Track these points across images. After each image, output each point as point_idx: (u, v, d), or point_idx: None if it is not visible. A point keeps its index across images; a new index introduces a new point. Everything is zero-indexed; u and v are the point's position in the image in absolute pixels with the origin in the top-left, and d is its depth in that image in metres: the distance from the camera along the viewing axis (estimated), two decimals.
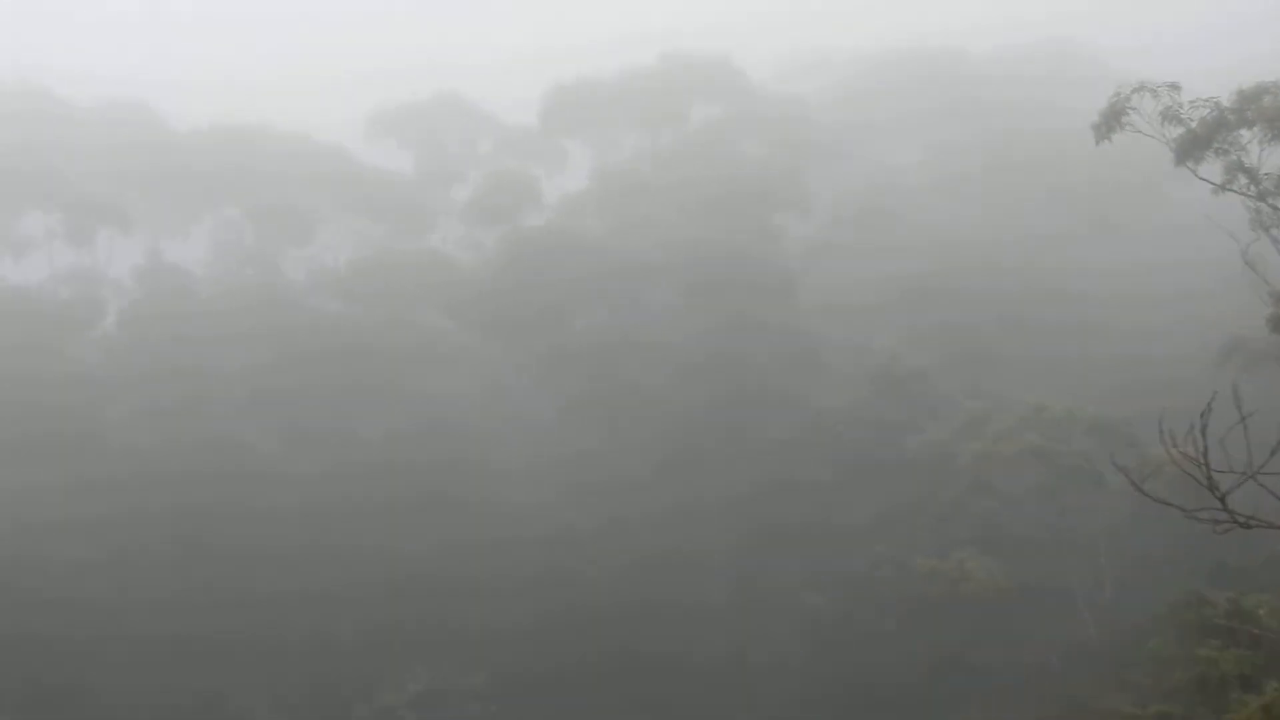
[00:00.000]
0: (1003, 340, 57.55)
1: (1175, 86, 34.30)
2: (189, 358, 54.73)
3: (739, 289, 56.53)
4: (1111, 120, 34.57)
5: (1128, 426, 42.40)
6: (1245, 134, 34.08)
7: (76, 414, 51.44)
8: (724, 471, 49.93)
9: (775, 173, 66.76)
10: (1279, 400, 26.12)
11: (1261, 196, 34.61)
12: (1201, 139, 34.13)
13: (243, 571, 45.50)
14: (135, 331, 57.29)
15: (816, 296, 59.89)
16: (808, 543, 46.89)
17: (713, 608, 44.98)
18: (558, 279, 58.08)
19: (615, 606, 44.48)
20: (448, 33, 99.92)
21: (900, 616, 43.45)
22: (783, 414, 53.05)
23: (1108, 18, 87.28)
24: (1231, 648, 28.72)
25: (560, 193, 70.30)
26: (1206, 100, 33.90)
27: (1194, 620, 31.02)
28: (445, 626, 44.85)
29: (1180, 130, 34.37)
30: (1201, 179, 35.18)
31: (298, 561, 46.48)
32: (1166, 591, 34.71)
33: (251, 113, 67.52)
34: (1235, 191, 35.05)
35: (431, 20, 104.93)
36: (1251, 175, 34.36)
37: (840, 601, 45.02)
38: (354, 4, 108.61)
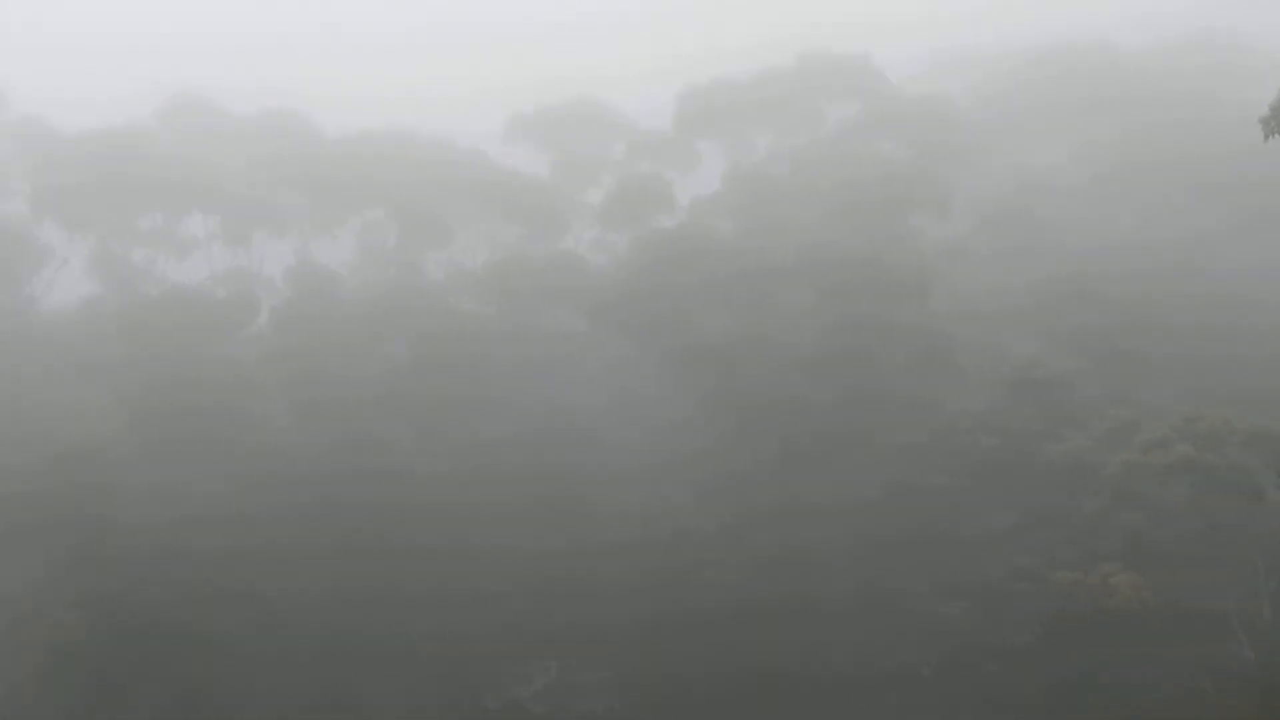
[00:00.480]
0: (1151, 345, 54.88)
1: None
2: (334, 357, 57.15)
3: (872, 291, 55.64)
4: None
5: None
6: None
7: (231, 411, 54.17)
8: (848, 474, 49.21)
9: (912, 173, 65.44)
10: None
11: None
12: None
13: (377, 568, 47.14)
14: (286, 330, 60.04)
15: (953, 300, 58.41)
16: (935, 550, 45.73)
17: (834, 612, 44.32)
18: (688, 281, 58.37)
19: (735, 608, 44.33)
20: (581, 49, 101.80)
21: (1036, 631, 41.88)
22: (911, 416, 51.91)
23: (1265, 7, 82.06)
24: None
25: (692, 195, 70.47)
26: None
27: None
28: (570, 625, 45.51)
29: None
30: None
31: (430, 559, 47.87)
32: None
33: (397, 122, 70.26)
34: None
35: (564, 39, 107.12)
36: None
37: (971, 612, 43.68)
38: (487, 26, 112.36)
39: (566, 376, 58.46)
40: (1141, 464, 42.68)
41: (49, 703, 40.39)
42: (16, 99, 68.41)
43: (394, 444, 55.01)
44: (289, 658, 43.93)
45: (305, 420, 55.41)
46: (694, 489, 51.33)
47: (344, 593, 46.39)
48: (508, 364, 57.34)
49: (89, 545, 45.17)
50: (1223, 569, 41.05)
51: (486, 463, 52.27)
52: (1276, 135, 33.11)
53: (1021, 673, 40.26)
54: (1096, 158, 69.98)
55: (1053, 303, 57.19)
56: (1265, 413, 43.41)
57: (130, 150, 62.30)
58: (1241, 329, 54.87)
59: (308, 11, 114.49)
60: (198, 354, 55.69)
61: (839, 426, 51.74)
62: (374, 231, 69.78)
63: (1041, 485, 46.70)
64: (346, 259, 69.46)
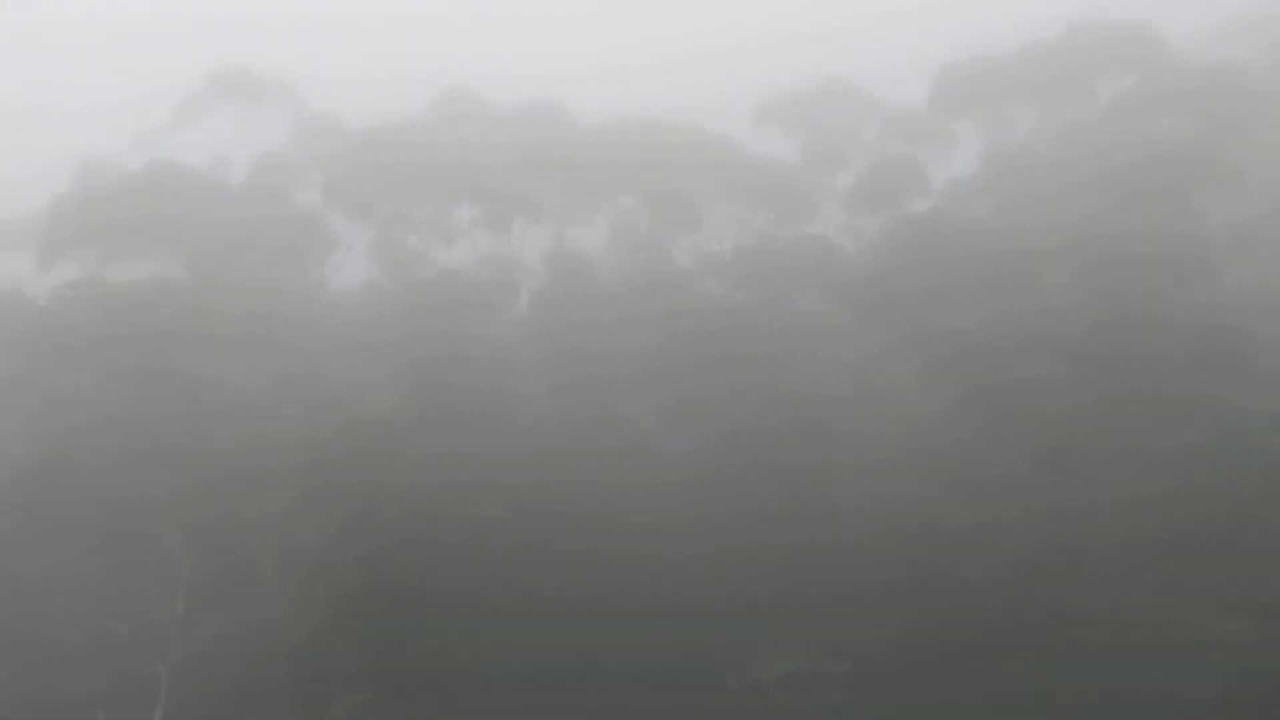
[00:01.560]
0: None
1: None
2: (588, 339, 59.31)
3: (1148, 279, 51.64)
4: None
5: None
6: None
7: (493, 388, 57.29)
8: (1119, 474, 45.87)
9: (1197, 151, 60.08)
10: None
11: None
12: None
13: (623, 539, 48.55)
14: (543, 313, 62.88)
15: (1241, 290, 53.28)
16: (1217, 560, 41.88)
17: (1095, 622, 41.48)
18: (943, 267, 56.32)
19: (987, 611, 42.48)
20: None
21: None
22: (1192, 415, 47.72)
23: None
24: None
25: (948, 178, 67.98)
26: None
27: None
28: (814, 614, 45.11)
29: None
30: None
31: (674, 533, 48.84)
32: None
33: (643, 103, 71.86)
34: None
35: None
36: None
37: (1256, 633, 39.79)
38: None
39: (812, 365, 57.84)
40: None
41: (336, 651, 44.10)
42: (313, 97, 75.38)
43: (641, 424, 56.44)
44: (540, 618, 45.97)
45: (559, 399, 57.79)
46: (945, 485, 49.56)
47: (593, 559, 48.11)
48: (753, 350, 57.42)
49: (369, 508, 48.93)
50: None
51: (729, 449, 52.65)
52: None
53: None
54: None
55: None
56: None
57: (405, 143, 66.93)
58: None
59: None
60: (464, 334, 59.22)
61: (1109, 423, 48.33)
62: (626, 217, 71.66)
63: None
64: (600, 244, 71.78)
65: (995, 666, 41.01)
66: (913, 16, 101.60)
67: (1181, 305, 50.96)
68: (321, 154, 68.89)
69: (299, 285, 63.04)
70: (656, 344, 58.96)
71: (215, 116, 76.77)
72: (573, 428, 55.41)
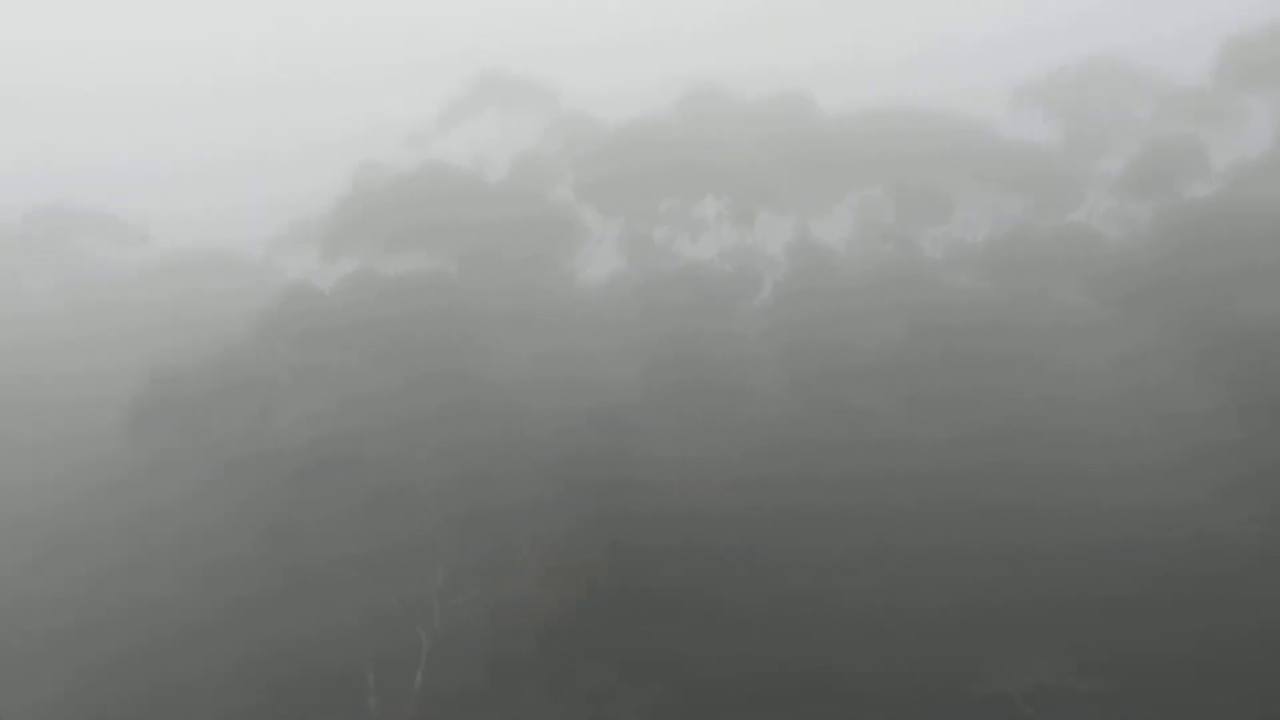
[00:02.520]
0: None
1: None
2: (829, 331, 58.67)
3: None
4: None
5: None
6: None
7: (735, 380, 57.75)
8: None
9: None
10: None
11: None
12: None
13: (863, 534, 47.87)
14: (785, 305, 62.74)
15: None
16: None
17: None
18: (1227, 258, 51.75)
19: (1270, 630, 38.68)
20: None
21: None
22: None
23: None
24: None
25: (1234, 159, 62.10)
26: None
27: None
28: (1064, 624, 42.76)
29: None
30: None
31: (917, 529, 47.67)
32: None
33: (894, 94, 70.00)
34: None
35: None
36: None
37: None
38: None
39: (1071, 361, 54.62)
40: None
41: (580, 632, 46.07)
42: (567, 96, 78.48)
43: (883, 418, 55.29)
44: (775, 617, 46.03)
45: (800, 391, 57.51)
46: (1220, 489, 45.68)
47: (830, 556, 47.72)
48: (1005, 345, 54.92)
49: (615, 498, 50.74)
50: None
51: (975, 445, 50.68)
52: None
53: None
54: None
55: None
56: None
57: (653, 139, 68.37)
58: None
59: None
60: (706, 325, 60.07)
61: None
62: (871, 208, 70.10)
63: None
64: (844, 235, 70.63)
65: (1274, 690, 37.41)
66: None
67: None
68: (574, 152, 71.54)
69: (552, 277, 65.86)
70: (901, 337, 57.50)
71: (478, 118, 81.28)
72: (813, 420, 55.08)
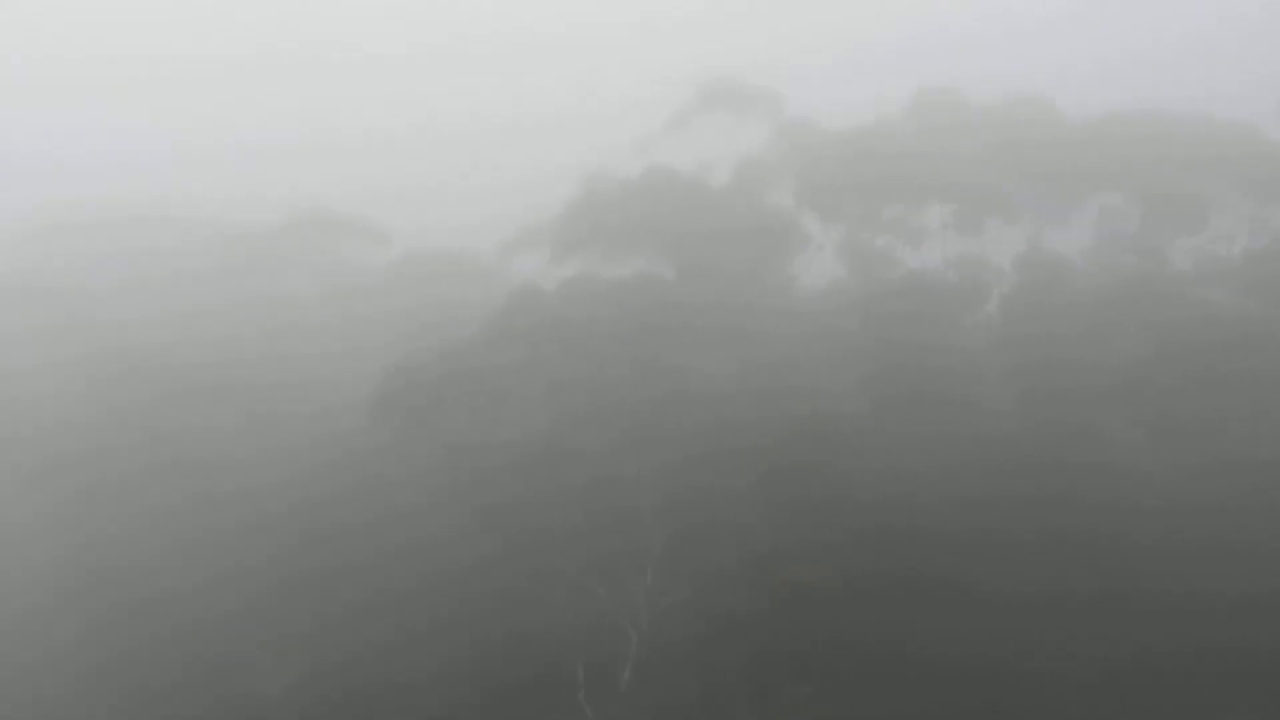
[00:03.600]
0: None
1: None
2: (1063, 346, 55.58)
3: None
4: None
5: None
6: None
7: (955, 395, 55.70)
8: None
9: None
10: None
11: None
12: None
13: (1087, 567, 44.93)
14: (1014, 317, 59.91)
15: None
16: None
17: None
18: None
19: None
20: None
21: None
22: None
23: None
24: None
25: None
26: None
27: None
28: None
29: None
30: None
31: (1146, 564, 44.38)
32: None
33: (1145, 96, 65.59)
34: None
35: None
36: None
37: None
38: None
39: None
40: None
41: (785, 637, 45.65)
42: (793, 103, 78.13)
43: (1122, 441, 51.85)
44: (988, 661, 43.62)
45: (1028, 408, 54.81)
46: None
47: (1058, 595, 44.97)
48: (1266, 365, 50.35)
49: (823, 503, 49.94)
50: None
51: (1226, 476, 46.68)
52: None
53: None
54: None
55: None
56: None
57: (879, 146, 67.01)
58: None
59: None
60: (927, 337, 58.23)
61: None
62: (1112, 217, 66.04)
63: None
64: (1081, 245, 66.82)
65: None
66: None
67: None
68: (798, 159, 71.10)
69: (770, 282, 65.70)
70: (1145, 356, 53.79)
71: (704, 126, 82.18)
72: (1043, 442, 52.32)
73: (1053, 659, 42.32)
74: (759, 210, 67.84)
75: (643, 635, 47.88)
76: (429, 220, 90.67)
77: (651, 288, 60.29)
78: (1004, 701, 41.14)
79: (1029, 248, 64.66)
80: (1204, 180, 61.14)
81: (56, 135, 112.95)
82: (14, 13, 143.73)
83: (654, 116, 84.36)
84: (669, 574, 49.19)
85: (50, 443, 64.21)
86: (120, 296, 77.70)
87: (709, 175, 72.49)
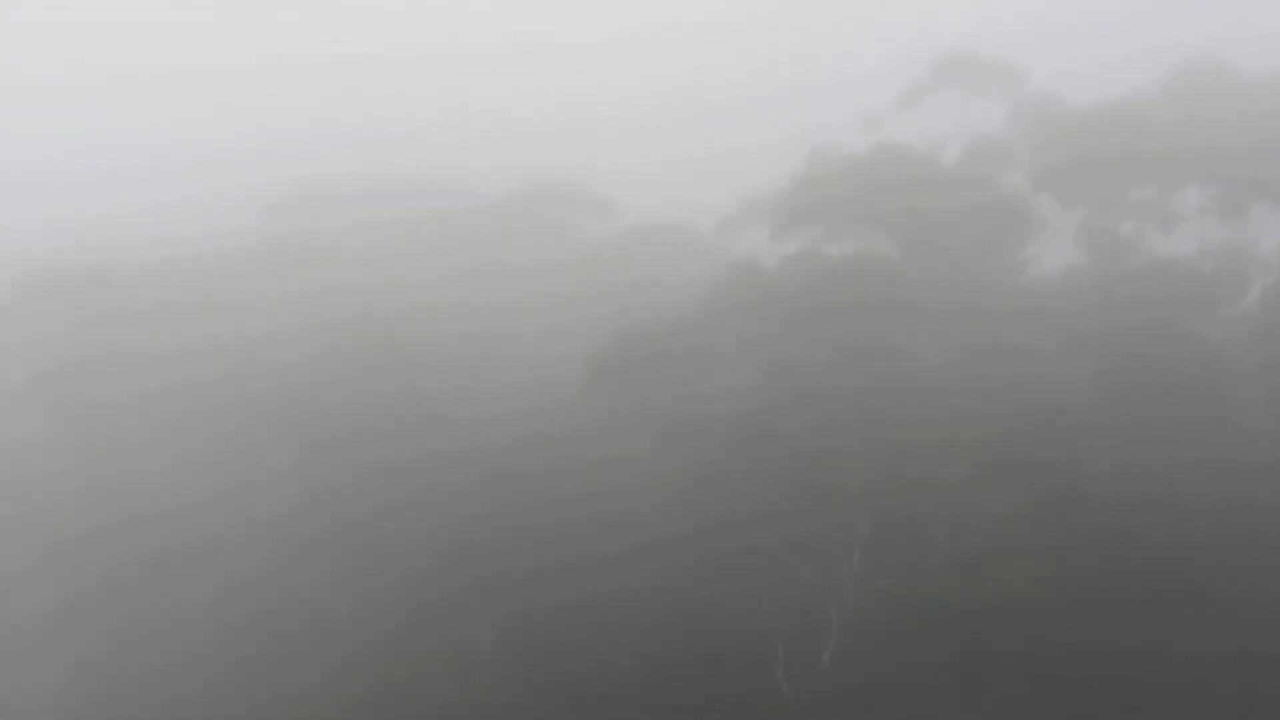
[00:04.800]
0: None
1: None
2: None
3: None
4: None
5: None
6: None
7: (1204, 391, 51.59)
8: None
9: None
10: None
11: None
12: None
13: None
14: (1276, 311, 54.75)
15: None
16: None
17: None
18: None
19: None
20: None
21: None
22: None
23: None
24: None
25: None
26: None
27: None
28: None
29: None
30: None
31: None
32: None
33: None
34: None
35: None
36: None
37: None
38: None
39: None
40: None
41: (998, 635, 43.88)
42: (1035, 77, 74.14)
43: None
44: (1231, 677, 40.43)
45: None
46: None
47: None
48: None
49: (1051, 507, 47.31)
50: None
51: None
52: None
53: None
54: None
55: None
56: None
57: (1130, 122, 62.51)
58: None
59: None
60: (1175, 329, 54.12)
61: None
62: None
63: None
64: None
65: None
66: None
67: None
68: (1036, 136, 67.40)
69: (998, 267, 62.79)
70: None
71: (937, 101, 79.36)
72: None
73: None
74: (992, 190, 64.76)
75: (845, 618, 47.25)
76: (653, 195, 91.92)
77: (875, 266, 58.69)
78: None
79: None
80: None
81: (300, 113, 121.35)
82: None
83: (884, 92, 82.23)
84: (876, 559, 48.27)
85: (296, 400, 69.34)
86: (362, 264, 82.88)
87: (940, 153, 69.91)
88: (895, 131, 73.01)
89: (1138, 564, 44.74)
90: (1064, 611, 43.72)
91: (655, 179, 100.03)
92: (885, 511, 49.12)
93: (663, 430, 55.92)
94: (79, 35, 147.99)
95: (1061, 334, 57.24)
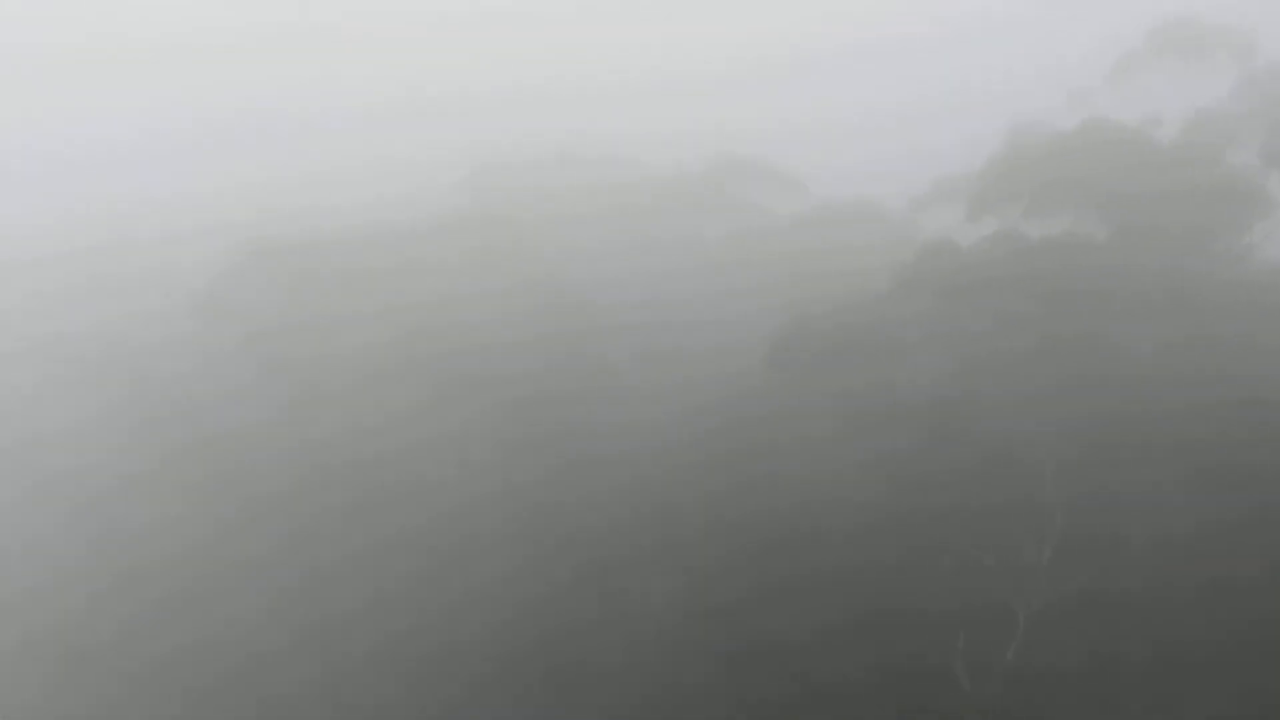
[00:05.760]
0: None
1: None
2: None
3: None
4: None
5: None
6: None
7: None
8: None
9: None
10: None
11: None
12: None
13: None
14: None
15: None
16: None
17: None
18: None
19: None
20: None
21: None
22: None
23: None
24: None
25: None
26: None
27: None
28: None
29: None
30: None
31: None
32: None
33: None
34: None
35: None
36: None
37: None
38: None
39: None
40: None
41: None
42: (1269, 46, 68.31)
43: None
44: None
45: None
46: None
47: None
48: None
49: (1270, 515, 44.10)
50: None
51: None
52: None
53: None
54: None
55: None
56: None
57: None
58: None
59: None
60: None
61: None
62: None
63: None
64: None
65: None
66: None
67: None
68: (1269, 112, 62.11)
69: (1220, 251, 58.48)
70: None
71: (1151, 71, 74.46)
72: None
73: None
74: (1214, 170, 60.15)
75: (1031, 615, 45.43)
76: (844, 168, 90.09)
77: (1081, 251, 55.59)
78: None
79: None
80: None
81: (493, 74, 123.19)
82: None
83: (1094, 70, 77.67)
84: (1068, 560, 46.14)
85: (486, 361, 71.61)
86: (548, 230, 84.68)
87: (1155, 130, 65.42)
88: (1105, 108, 68.84)
89: None
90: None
91: (846, 151, 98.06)
92: (1082, 512, 46.82)
93: (844, 409, 55.01)
94: None
95: None
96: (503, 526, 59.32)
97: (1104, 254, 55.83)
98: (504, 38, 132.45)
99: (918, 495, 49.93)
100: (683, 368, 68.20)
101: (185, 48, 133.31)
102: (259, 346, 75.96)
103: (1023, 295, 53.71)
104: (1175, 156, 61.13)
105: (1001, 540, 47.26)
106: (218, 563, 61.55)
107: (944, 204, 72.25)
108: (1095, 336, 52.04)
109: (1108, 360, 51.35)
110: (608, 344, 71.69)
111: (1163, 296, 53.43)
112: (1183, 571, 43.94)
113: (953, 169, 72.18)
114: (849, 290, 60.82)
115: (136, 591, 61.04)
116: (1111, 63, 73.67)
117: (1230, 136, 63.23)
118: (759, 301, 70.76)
